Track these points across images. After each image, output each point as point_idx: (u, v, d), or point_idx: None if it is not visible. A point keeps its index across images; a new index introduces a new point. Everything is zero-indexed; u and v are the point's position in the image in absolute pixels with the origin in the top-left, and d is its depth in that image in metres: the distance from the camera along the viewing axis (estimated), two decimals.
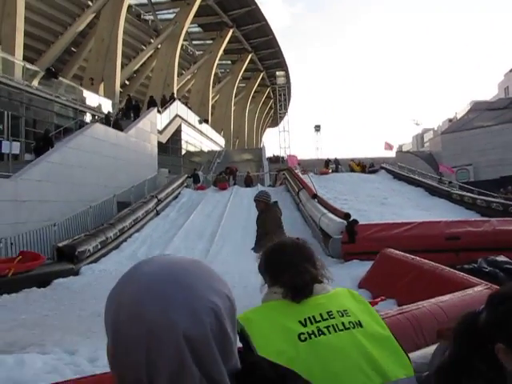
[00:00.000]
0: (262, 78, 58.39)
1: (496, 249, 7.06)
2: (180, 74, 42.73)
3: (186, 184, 21.79)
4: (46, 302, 7.33)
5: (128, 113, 23.67)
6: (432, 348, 1.92)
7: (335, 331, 1.28)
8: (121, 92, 32.31)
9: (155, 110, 23.41)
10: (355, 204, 15.55)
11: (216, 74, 49.67)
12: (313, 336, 1.26)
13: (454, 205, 17.14)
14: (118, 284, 0.68)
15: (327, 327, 1.28)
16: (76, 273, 9.87)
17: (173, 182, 19.85)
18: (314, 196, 14.52)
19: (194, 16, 38.18)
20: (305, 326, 1.28)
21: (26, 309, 6.83)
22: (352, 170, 27.18)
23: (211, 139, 39.33)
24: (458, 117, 38.00)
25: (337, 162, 30.61)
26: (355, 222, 9.67)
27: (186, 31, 39.44)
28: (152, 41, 39.11)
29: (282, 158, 37.08)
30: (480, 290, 3.38)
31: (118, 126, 18.89)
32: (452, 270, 4.62)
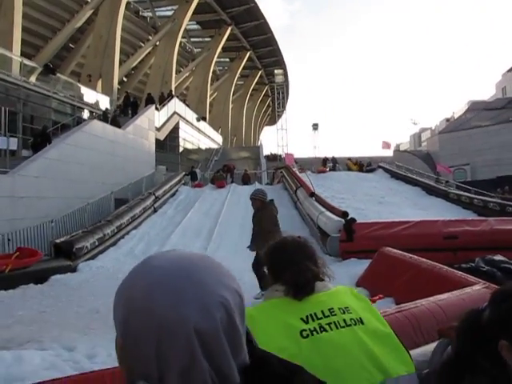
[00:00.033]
0: (260, 76, 58.33)
1: (493, 248, 7.10)
2: (178, 72, 42.65)
3: (183, 181, 21.79)
4: (43, 299, 7.32)
5: (126, 110, 23.62)
6: (431, 346, 1.93)
7: (337, 328, 1.29)
8: (119, 89, 32.24)
9: (153, 107, 23.37)
10: (353, 203, 15.56)
11: (214, 72, 49.62)
12: (315, 333, 1.27)
13: (451, 204, 17.20)
14: (128, 278, 0.68)
15: (329, 324, 1.29)
16: (73, 269, 9.85)
17: (170, 180, 19.84)
18: (312, 194, 14.52)
19: (193, 13, 38.11)
20: (306, 322, 1.29)
21: (23, 305, 6.82)
22: (349, 169, 27.20)
23: (209, 137, 39.32)
24: (456, 116, 38.04)
25: (334, 160, 30.60)
26: (353, 220, 9.68)
27: (185, 28, 39.34)
28: (150, 38, 39.00)
29: (280, 156, 37.04)
30: (478, 288, 3.39)
31: (115, 122, 18.86)
32: (450, 268, 4.64)
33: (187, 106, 33.62)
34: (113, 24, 29.88)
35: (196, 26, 45.62)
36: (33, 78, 18.96)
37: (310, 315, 1.31)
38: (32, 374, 3.29)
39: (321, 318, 1.30)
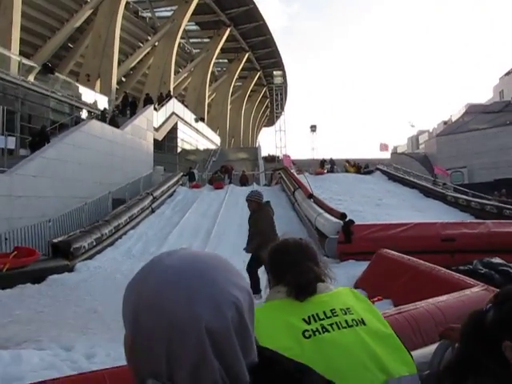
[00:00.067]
0: (259, 78, 58.37)
1: (491, 251, 7.10)
2: (177, 72, 42.65)
3: (181, 182, 21.77)
4: (40, 298, 7.29)
5: (124, 110, 23.61)
6: (431, 347, 1.94)
7: (339, 328, 1.29)
8: (117, 89, 32.22)
9: (152, 107, 23.36)
10: (350, 204, 15.56)
11: (213, 73, 49.63)
12: (317, 333, 1.27)
13: (448, 207, 17.21)
14: (139, 275, 0.68)
15: (331, 325, 1.29)
16: (71, 269, 9.82)
17: (168, 180, 19.82)
18: (310, 196, 14.53)
19: (192, 14, 38.13)
20: (309, 323, 1.29)
21: (20, 304, 6.79)
22: (347, 171, 27.22)
23: (207, 137, 39.31)
24: (453, 119, 38.14)
25: (332, 162, 30.63)
26: (351, 222, 9.68)
27: (184, 29, 39.36)
28: (149, 38, 38.99)
29: (278, 157, 37.06)
30: (477, 291, 3.40)
31: (114, 122, 18.86)
32: (448, 271, 4.65)
33: (185, 106, 33.61)
34: (112, 24, 29.88)
35: (195, 27, 45.63)
36: (31, 77, 18.92)
37: (312, 316, 1.31)
38: (30, 374, 3.29)
39: (323, 319, 1.30)
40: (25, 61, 19.54)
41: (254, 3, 41.06)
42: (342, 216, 10.42)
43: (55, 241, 10.31)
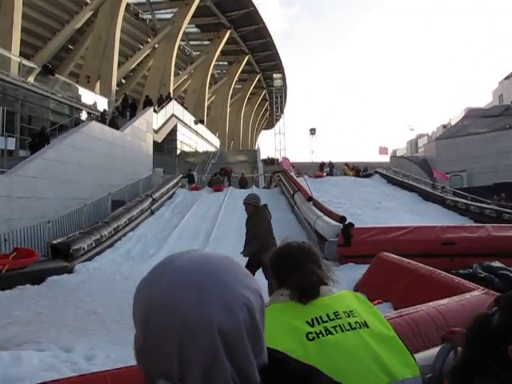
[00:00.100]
0: (258, 80, 58.41)
1: (491, 254, 7.11)
2: (176, 74, 42.67)
3: (180, 184, 21.77)
4: (40, 299, 7.30)
5: (124, 111, 23.62)
6: (432, 351, 1.94)
7: (342, 331, 1.29)
8: (117, 90, 32.22)
9: (151, 109, 23.37)
10: (349, 208, 15.57)
11: (212, 75, 49.67)
12: (320, 335, 1.27)
13: (447, 210, 17.23)
14: (150, 275, 0.68)
15: (334, 327, 1.29)
16: (70, 270, 9.82)
17: (167, 182, 19.82)
18: (310, 199, 14.53)
19: (192, 16, 38.17)
20: (312, 326, 1.29)
21: (20, 306, 6.79)
22: (346, 175, 27.25)
23: (206, 140, 39.34)
24: (453, 123, 38.18)
25: (331, 165, 30.67)
26: (351, 225, 9.68)
27: (184, 31, 39.40)
28: (149, 40, 39.01)
29: (277, 160, 37.07)
30: (477, 294, 3.40)
31: (114, 124, 18.86)
32: (448, 274, 4.65)
33: (185, 108, 33.65)
34: (112, 25, 29.89)
35: (195, 29, 45.69)
36: (31, 79, 18.93)
37: (316, 318, 1.31)
38: (30, 375, 3.29)
39: (326, 322, 1.31)
40: (25, 62, 19.54)
41: (254, 6, 41.14)
42: (342, 219, 10.42)
43: (55, 242, 10.30)
